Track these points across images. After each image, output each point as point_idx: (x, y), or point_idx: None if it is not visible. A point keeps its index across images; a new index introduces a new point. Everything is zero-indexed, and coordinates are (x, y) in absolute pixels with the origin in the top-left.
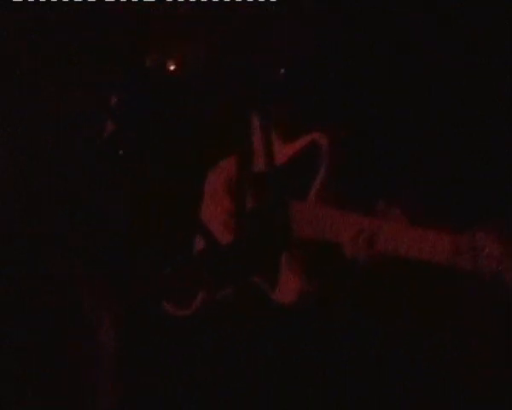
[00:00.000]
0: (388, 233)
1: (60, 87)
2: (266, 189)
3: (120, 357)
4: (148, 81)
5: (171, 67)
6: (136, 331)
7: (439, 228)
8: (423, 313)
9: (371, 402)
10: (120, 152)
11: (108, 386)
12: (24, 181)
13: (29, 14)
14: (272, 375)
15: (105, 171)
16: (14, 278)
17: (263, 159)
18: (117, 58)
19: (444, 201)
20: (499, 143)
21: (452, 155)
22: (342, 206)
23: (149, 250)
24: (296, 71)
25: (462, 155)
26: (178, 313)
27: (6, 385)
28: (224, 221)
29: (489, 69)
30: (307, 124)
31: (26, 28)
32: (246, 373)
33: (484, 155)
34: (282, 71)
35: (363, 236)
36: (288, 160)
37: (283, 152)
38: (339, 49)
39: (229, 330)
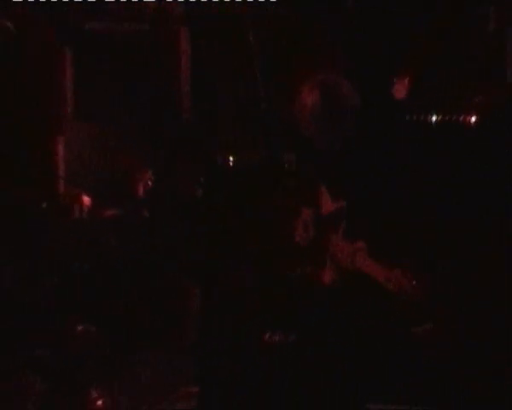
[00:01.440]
0: (364, 259)
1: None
2: (323, 223)
3: None
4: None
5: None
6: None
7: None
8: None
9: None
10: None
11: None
12: None
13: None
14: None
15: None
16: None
17: (324, 209)
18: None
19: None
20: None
21: None
22: (351, 241)
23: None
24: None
25: None
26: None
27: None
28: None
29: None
30: (343, 194)
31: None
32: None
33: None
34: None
35: (350, 257)
36: (331, 211)
37: (330, 206)
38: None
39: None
